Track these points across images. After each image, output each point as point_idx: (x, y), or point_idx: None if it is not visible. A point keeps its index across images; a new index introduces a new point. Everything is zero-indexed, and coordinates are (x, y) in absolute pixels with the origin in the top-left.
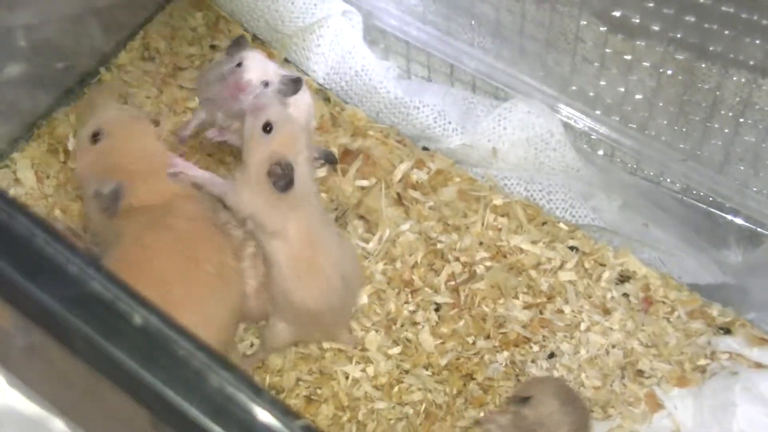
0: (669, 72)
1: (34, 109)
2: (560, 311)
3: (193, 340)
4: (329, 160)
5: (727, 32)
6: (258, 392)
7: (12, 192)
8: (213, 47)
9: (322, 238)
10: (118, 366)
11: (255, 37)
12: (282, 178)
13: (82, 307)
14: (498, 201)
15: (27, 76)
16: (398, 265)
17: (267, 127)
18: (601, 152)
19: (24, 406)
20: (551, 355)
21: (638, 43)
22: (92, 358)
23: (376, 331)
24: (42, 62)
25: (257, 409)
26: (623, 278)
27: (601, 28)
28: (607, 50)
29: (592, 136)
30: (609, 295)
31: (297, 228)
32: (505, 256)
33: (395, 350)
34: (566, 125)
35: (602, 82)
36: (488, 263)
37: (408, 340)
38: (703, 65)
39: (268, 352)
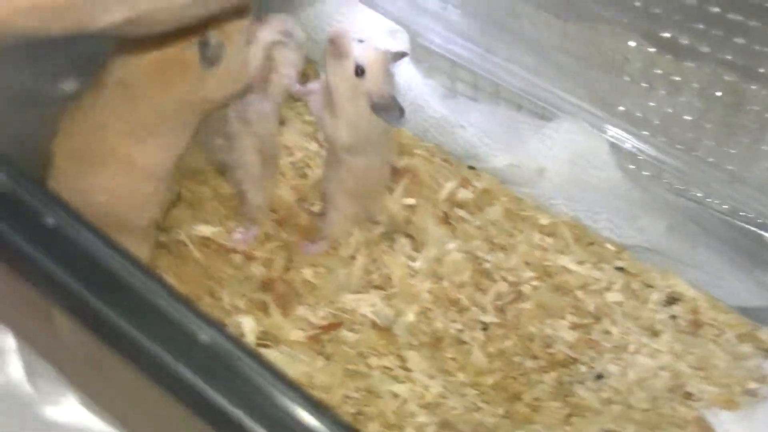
0: (717, 93)
1: None
2: (607, 332)
3: (258, 359)
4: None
5: None
6: (322, 410)
7: None
8: None
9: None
10: (184, 383)
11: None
12: (390, 110)
13: (150, 325)
14: (544, 221)
15: (81, 92)
16: (445, 284)
17: (359, 70)
18: (647, 173)
19: (94, 425)
20: (599, 376)
21: (687, 64)
22: (158, 374)
23: (423, 349)
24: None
25: (322, 428)
26: (671, 300)
27: (650, 49)
28: (655, 71)
29: (639, 157)
30: (657, 317)
31: (377, 148)
32: (551, 276)
33: (441, 369)
34: (612, 145)
35: (650, 103)
36: (535, 283)
37: (454, 359)
38: (752, 87)
39: (331, 240)
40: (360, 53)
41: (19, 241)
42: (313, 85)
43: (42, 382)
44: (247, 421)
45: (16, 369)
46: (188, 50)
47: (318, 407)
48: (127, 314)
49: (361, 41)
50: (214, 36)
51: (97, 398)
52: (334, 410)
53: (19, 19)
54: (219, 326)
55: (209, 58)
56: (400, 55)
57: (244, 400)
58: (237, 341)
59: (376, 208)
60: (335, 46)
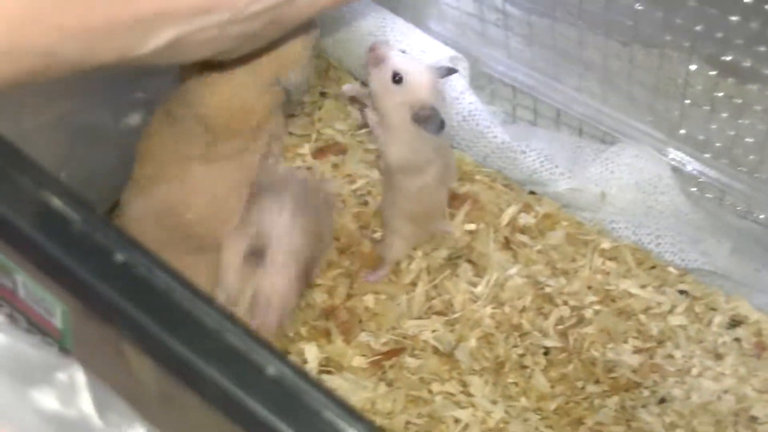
0: None
1: None
2: (671, 356)
3: (326, 392)
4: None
5: None
6: None
7: None
8: (323, 94)
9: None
10: (252, 416)
11: (364, 84)
12: (430, 121)
13: (218, 359)
14: (606, 245)
15: (145, 126)
16: (507, 309)
17: (396, 77)
18: (710, 195)
19: None
20: (662, 400)
21: (749, 86)
22: (226, 407)
23: (485, 375)
24: None
25: None
26: (735, 323)
27: (711, 73)
28: (718, 94)
29: (701, 180)
30: (720, 340)
31: (434, 165)
32: (614, 300)
33: (503, 394)
34: (675, 169)
35: (712, 126)
36: (597, 307)
37: (517, 384)
38: None
39: (392, 264)
40: (398, 60)
41: (89, 278)
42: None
43: (112, 416)
44: None
45: (86, 403)
46: (268, 93)
47: None
48: (194, 347)
49: (403, 52)
50: (293, 75)
51: (166, 430)
52: None
53: (68, 43)
54: (285, 358)
55: (294, 101)
56: (447, 70)
57: (310, 431)
58: (302, 373)
59: (436, 230)
60: (374, 54)
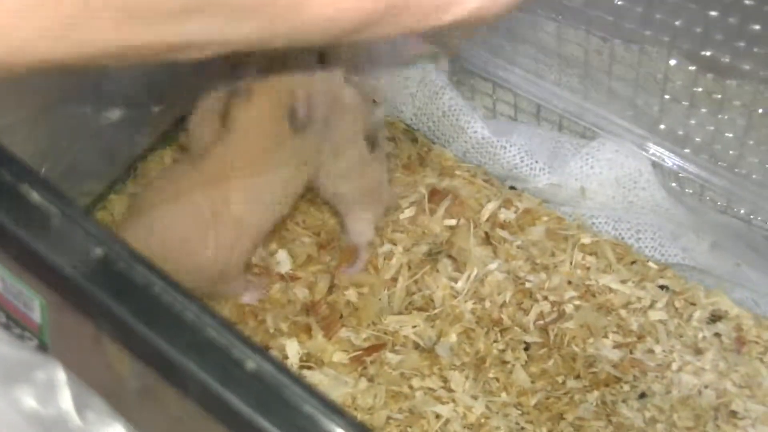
0: (760, 111)
1: (131, 151)
2: (651, 351)
3: (307, 387)
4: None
5: None
6: None
7: None
8: None
9: None
10: (231, 410)
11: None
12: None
13: (198, 353)
14: (586, 240)
15: (125, 120)
16: (487, 304)
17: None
18: (690, 191)
19: None
20: (642, 395)
21: (729, 82)
22: (206, 402)
23: (466, 370)
24: (139, 105)
25: None
26: (715, 318)
27: (691, 68)
28: (697, 89)
29: (681, 175)
30: (700, 335)
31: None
32: (594, 296)
33: (484, 389)
34: (655, 164)
35: (692, 121)
36: (577, 302)
37: (497, 379)
38: None
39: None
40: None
41: (69, 272)
42: None
43: (91, 414)
44: None
45: (65, 401)
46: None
47: (362, 429)
48: (173, 341)
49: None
50: (302, 105)
51: (145, 427)
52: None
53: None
54: (265, 353)
55: (299, 127)
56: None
57: (290, 425)
58: (282, 367)
59: (391, 201)
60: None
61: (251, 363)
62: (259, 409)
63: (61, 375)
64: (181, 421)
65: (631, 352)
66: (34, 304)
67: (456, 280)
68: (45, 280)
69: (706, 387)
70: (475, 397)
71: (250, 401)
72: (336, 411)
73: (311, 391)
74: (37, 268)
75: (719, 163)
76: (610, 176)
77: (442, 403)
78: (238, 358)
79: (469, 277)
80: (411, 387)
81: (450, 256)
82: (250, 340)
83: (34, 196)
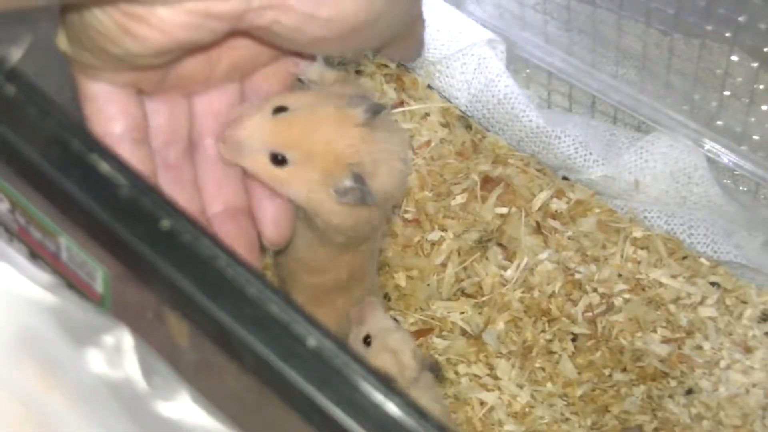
0: None
1: None
2: (699, 347)
3: (365, 365)
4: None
5: None
6: (426, 418)
7: None
8: (358, 72)
9: None
10: (291, 386)
11: (399, 64)
12: None
13: (260, 328)
14: (638, 233)
15: None
16: (536, 293)
17: (367, 340)
18: (744, 188)
19: (206, 422)
20: (689, 392)
21: None
22: (266, 377)
23: (512, 359)
24: None
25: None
26: (765, 317)
27: (752, 64)
28: (758, 86)
29: (736, 172)
30: (750, 333)
31: None
32: (644, 290)
33: (530, 378)
34: (710, 160)
35: (750, 119)
36: (627, 296)
37: (543, 369)
38: None
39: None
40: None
41: (135, 242)
42: None
43: (157, 379)
44: (349, 421)
45: (132, 366)
46: None
47: (420, 410)
48: (236, 315)
49: None
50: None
51: (209, 396)
52: None
53: None
54: (326, 330)
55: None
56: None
57: (349, 403)
58: (343, 345)
59: None
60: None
61: (312, 340)
62: (319, 385)
63: (128, 339)
64: (240, 394)
65: (679, 348)
66: (97, 274)
67: (505, 269)
68: (110, 251)
69: (754, 386)
70: (520, 386)
71: (311, 378)
72: (392, 389)
73: (371, 369)
74: (103, 238)
75: None
76: (665, 170)
77: (488, 390)
78: (299, 334)
79: (518, 265)
80: (457, 373)
81: (500, 244)
82: (312, 317)
83: (104, 167)
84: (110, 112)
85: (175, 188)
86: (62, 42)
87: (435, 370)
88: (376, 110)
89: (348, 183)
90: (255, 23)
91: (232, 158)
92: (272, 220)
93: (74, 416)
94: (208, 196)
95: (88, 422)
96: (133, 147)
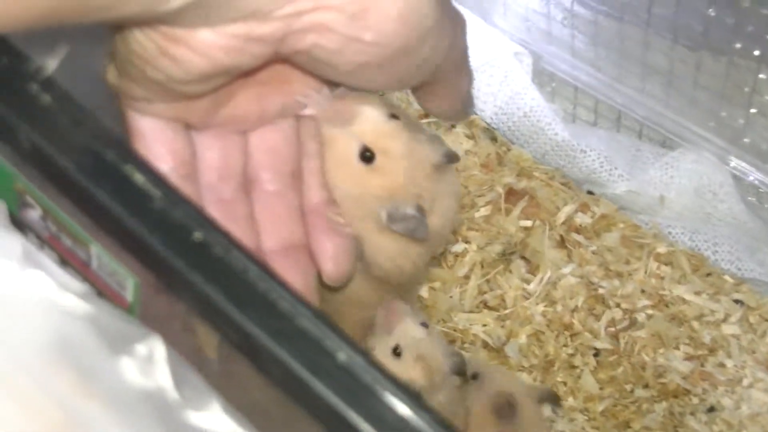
0: None
1: None
2: (722, 365)
3: (395, 381)
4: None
5: None
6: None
7: None
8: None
9: None
10: (321, 401)
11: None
12: None
13: (290, 342)
14: (662, 249)
15: None
16: (558, 308)
17: (396, 350)
18: None
19: None
20: (711, 409)
21: None
22: (295, 391)
23: (534, 372)
24: None
25: None
26: None
27: None
28: None
29: (761, 190)
30: None
31: None
32: (667, 306)
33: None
34: (735, 177)
35: None
36: (650, 311)
37: (565, 383)
38: None
39: None
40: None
41: (167, 253)
42: None
43: (188, 389)
44: None
45: (164, 375)
46: None
47: (450, 427)
48: (266, 328)
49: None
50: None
51: (239, 407)
52: None
53: None
54: (357, 346)
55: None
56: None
57: (379, 419)
58: (374, 361)
59: None
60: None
61: (342, 354)
62: (349, 401)
63: (160, 349)
64: (268, 408)
65: (701, 365)
66: (128, 284)
67: (528, 282)
68: (142, 260)
69: None
70: None
71: (341, 393)
72: (422, 405)
73: (401, 386)
74: (135, 248)
75: None
76: (690, 187)
77: None
78: (329, 348)
79: (542, 279)
80: None
81: (523, 257)
82: (342, 332)
83: (138, 178)
84: (158, 150)
85: (229, 223)
86: (111, 75)
87: (553, 399)
88: (452, 159)
89: (410, 211)
90: (296, 47)
91: (329, 120)
92: (331, 256)
93: (110, 424)
94: (264, 232)
95: (124, 430)
96: (179, 183)
